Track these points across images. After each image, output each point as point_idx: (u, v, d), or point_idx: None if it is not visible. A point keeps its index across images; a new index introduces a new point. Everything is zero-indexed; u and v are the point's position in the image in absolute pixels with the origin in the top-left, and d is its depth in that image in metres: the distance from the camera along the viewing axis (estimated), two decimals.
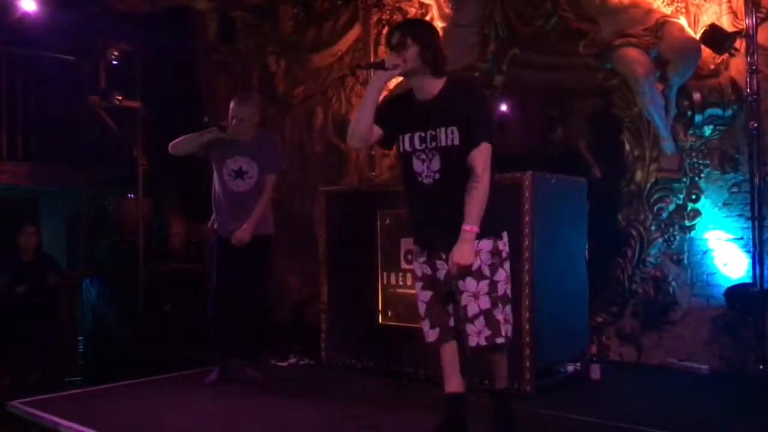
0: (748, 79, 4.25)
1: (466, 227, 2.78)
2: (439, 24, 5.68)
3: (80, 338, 6.81)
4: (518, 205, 3.79)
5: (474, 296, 2.84)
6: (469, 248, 2.78)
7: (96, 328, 6.99)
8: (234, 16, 7.51)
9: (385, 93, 4.33)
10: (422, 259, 3.00)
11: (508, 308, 2.93)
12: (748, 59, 4.24)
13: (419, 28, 3.02)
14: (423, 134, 2.87)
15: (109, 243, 7.75)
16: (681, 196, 4.57)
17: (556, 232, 4.02)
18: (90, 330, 6.97)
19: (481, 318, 2.85)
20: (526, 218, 3.78)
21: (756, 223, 4.21)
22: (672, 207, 4.61)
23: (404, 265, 4.39)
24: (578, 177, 4.35)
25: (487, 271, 2.86)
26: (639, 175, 4.73)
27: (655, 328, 4.62)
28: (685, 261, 4.55)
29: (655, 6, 4.59)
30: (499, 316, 2.88)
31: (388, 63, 2.83)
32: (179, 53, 7.53)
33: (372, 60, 2.68)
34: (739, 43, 4.28)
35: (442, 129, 2.83)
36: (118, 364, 6.01)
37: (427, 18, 5.86)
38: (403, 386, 4.19)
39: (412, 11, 6.05)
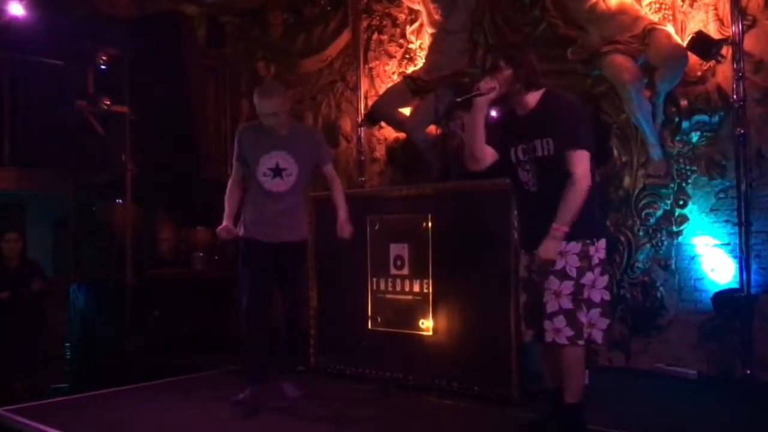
0: (734, 86, 4.28)
1: (554, 224, 2.89)
2: (428, 30, 5.70)
3: (67, 345, 6.76)
4: (507, 211, 3.80)
5: (555, 295, 2.93)
6: (554, 245, 2.90)
7: (83, 334, 6.93)
8: (223, 21, 7.51)
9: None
10: (526, 264, 3.14)
11: (595, 312, 2.98)
12: (735, 66, 4.27)
13: (511, 51, 3.22)
14: (525, 146, 3.04)
15: (96, 249, 7.69)
16: (668, 202, 4.60)
17: None
18: (77, 336, 6.90)
19: (561, 317, 2.92)
20: (516, 223, 3.78)
21: (742, 228, 4.23)
22: (660, 213, 4.63)
23: (393, 271, 4.39)
24: None
25: (573, 273, 2.93)
26: (627, 181, 4.75)
27: (643, 333, 4.64)
28: (673, 266, 4.57)
29: (642, 13, 4.61)
30: (583, 319, 2.94)
31: (483, 88, 3.01)
32: (168, 58, 7.49)
33: (467, 91, 2.97)
34: (726, 50, 4.31)
35: (539, 140, 2.98)
36: (105, 371, 5.97)
37: (417, 24, 5.90)
38: (392, 392, 4.19)
39: (402, 17, 6.08)
